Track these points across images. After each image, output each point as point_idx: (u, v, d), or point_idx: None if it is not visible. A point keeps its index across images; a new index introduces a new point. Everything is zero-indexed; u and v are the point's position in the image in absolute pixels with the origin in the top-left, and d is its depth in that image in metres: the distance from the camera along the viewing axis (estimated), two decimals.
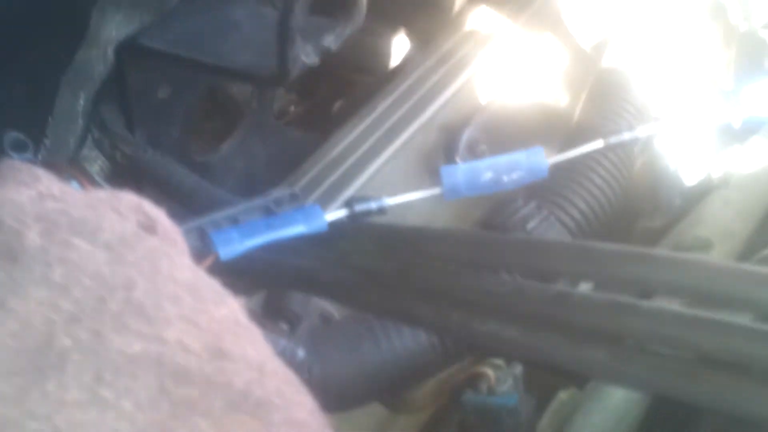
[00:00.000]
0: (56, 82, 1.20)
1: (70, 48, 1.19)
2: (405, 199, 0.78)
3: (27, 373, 0.46)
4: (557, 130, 1.11)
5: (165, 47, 1.00)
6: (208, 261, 0.70)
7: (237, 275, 0.82)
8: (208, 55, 0.97)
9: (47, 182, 0.57)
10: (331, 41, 0.91)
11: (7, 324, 0.47)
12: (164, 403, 0.48)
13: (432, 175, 1.14)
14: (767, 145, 0.97)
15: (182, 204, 1.06)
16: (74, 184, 0.68)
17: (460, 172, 0.78)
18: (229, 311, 0.53)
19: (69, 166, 0.70)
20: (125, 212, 0.57)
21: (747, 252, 0.88)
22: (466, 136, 1.10)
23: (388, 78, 1.36)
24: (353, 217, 0.76)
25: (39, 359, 0.47)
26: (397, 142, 1.19)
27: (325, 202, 1.12)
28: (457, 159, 1.10)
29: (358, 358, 0.80)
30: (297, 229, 0.73)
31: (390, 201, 0.77)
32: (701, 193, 0.99)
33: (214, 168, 1.33)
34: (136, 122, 1.13)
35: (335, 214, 0.75)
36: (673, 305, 0.54)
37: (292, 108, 1.70)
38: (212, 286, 0.54)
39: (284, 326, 0.82)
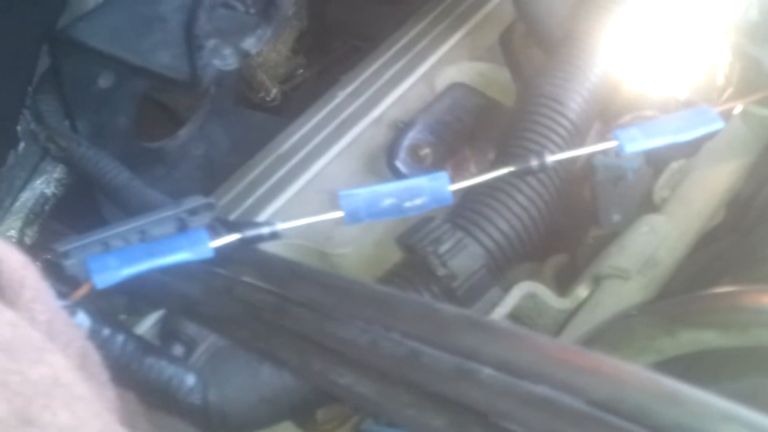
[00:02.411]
0: (36, 51, 1.18)
1: (51, 16, 1.17)
2: (301, 223, 0.76)
3: None
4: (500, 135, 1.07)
5: (90, 41, 0.98)
6: (83, 290, 0.68)
7: (131, 296, 0.81)
8: (127, 53, 0.95)
9: None
10: (251, 44, 0.88)
11: None
12: None
13: (377, 177, 1.12)
14: (710, 163, 0.92)
15: (113, 202, 1.05)
16: None
17: (359, 197, 0.75)
18: (48, 370, 0.51)
19: None
20: None
21: (672, 283, 0.84)
22: (407, 140, 1.07)
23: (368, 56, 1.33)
24: (245, 243, 0.73)
25: None
26: (345, 140, 1.17)
27: (264, 204, 1.11)
28: (397, 164, 1.07)
29: (258, 383, 0.79)
30: (180, 256, 0.71)
31: (283, 226, 0.74)
32: (640, 211, 0.95)
33: (171, 155, 1.32)
34: (76, 113, 1.11)
35: (223, 240, 0.72)
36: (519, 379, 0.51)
37: (300, 71, 1.68)
38: (34, 342, 0.52)
39: (180, 349, 0.80)
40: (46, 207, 1.26)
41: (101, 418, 0.53)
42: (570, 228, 1.11)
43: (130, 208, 1.00)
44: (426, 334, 0.55)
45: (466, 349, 0.52)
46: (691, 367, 0.57)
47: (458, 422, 0.53)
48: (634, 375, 0.45)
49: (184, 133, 1.32)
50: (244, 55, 0.88)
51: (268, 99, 1.56)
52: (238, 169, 1.22)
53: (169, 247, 0.72)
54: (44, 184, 1.27)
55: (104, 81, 1.11)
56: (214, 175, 1.32)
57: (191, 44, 0.81)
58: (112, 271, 0.69)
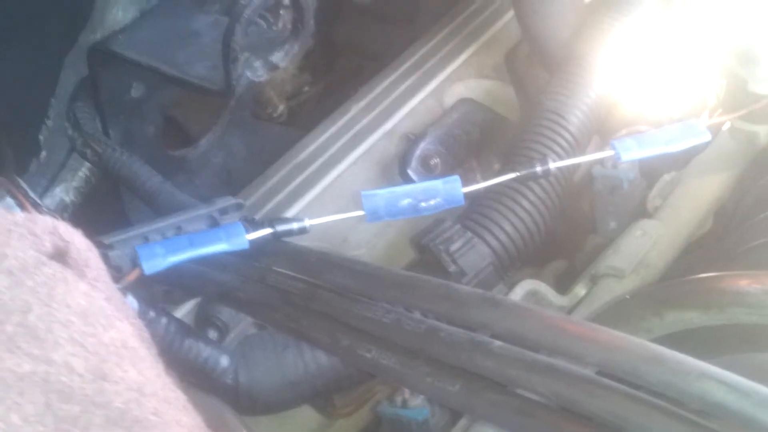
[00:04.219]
0: (59, 63, 1.26)
1: (73, 29, 1.25)
2: (327, 220, 0.83)
3: None
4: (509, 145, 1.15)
5: (128, 53, 1.06)
6: (132, 275, 0.75)
7: (170, 285, 0.88)
8: (164, 64, 1.03)
9: None
10: (279, 58, 0.96)
11: None
12: (49, 418, 0.54)
13: (389, 184, 1.20)
14: (698, 175, 1.01)
15: (145, 203, 1.12)
16: (8, 201, 0.74)
17: (379, 197, 0.83)
18: (117, 335, 0.59)
19: (6, 182, 0.76)
20: (41, 235, 0.63)
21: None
22: (419, 150, 1.15)
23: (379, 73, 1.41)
24: (276, 236, 0.81)
25: None
26: (359, 150, 1.24)
27: (284, 208, 1.18)
28: (409, 172, 1.15)
29: (282, 366, 0.86)
30: (219, 246, 0.78)
31: (311, 222, 0.82)
32: (634, 218, 1.03)
33: (192, 163, 1.39)
34: (109, 121, 1.19)
35: (258, 233, 0.80)
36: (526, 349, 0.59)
37: (306, 89, 1.74)
38: (105, 310, 0.60)
39: (214, 334, 0.88)
40: (65, 214, 1.32)
41: (162, 379, 0.60)
42: (569, 236, 1.19)
43: (161, 209, 1.07)
44: (444, 311, 0.63)
45: (479, 323, 0.60)
46: (676, 346, 0.65)
47: (472, 388, 0.61)
48: (624, 341, 0.53)
49: (204, 142, 1.39)
50: (273, 68, 0.96)
51: (275, 115, 1.62)
52: (257, 177, 1.29)
53: (209, 239, 0.79)
54: (63, 192, 1.34)
55: (136, 91, 1.19)
56: (231, 183, 1.39)
57: (228, 56, 0.89)
58: (159, 259, 0.77)
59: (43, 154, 1.29)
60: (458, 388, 0.61)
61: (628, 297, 0.65)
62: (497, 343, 0.60)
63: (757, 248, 0.74)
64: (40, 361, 0.55)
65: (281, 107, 1.63)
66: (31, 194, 0.75)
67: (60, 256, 0.64)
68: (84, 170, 1.33)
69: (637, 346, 0.52)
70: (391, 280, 0.67)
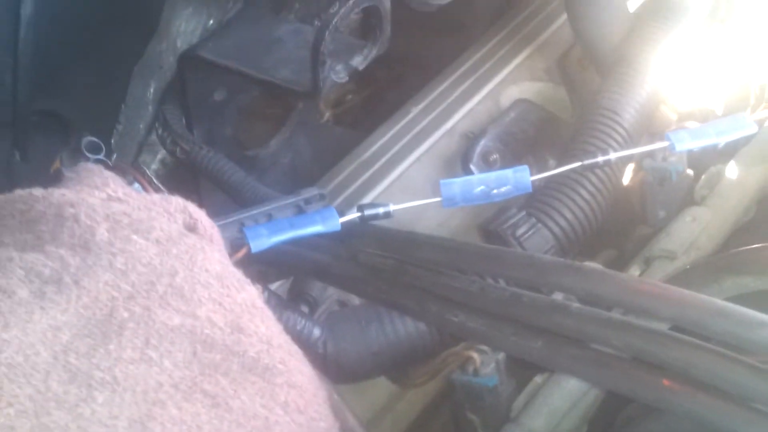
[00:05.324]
0: (128, 72, 1.36)
1: (141, 40, 1.35)
2: (408, 206, 0.92)
3: (95, 336, 0.62)
4: (563, 142, 1.24)
5: (217, 59, 1.16)
6: (241, 252, 0.85)
7: (268, 264, 0.98)
8: (253, 68, 1.13)
9: (114, 186, 0.73)
10: (359, 62, 1.06)
11: (81, 299, 0.63)
12: (195, 364, 0.64)
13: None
14: (742, 167, 1.09)
15: (230, 196, 1.22)
16: (136, 186, 0.83)
17: (456, 185, 0.92)
18: (248, 296, 0.69)
19: (132, 169, 0.86)
20: (174, 213, 0.73)
21: None
22: (480, 147, 1.24)
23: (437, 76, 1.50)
24: (363, 220, 0.90)
25: (104, 326, 0.62)
26: (422, 148, 1.34)
27: (354, 200, 1.28)
28: (471, 166, 1.24)
29: (366, 338, 0.95)
30: (315, 228, 0.88)
31: (394, 207, 0.91)
32: (683, 208, 1.11)
33: (263, 162, 1.49)
34: (194, 122, 1.29)
35: (348, 216, 0.89)
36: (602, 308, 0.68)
37: (350, 97, 1.82)
38: (236, 275, 0.69)
39: (305, 308, 0.97)
40: None
41: (284, 335, 0.70)
42: (619, 227, 1.27)
43: (246, 201, 1.17)
44: (528, 278, 0.71)
45: (561, 287, 0.69)
46: None
47: (552, 344, 0.69)
48: (693, 298, 0.62)
49: (275, 142, 1.49)
50: (353, 71, 1.05)
51: (321, 122, 1.71)
52: (322, 175, 1.39)
53: (305, 221, 0.89)
54: None
55: (218, 95, 1.29)
56: (298, 181, 1.49)
57: (317, 60, 0.98)
58: (264, 239, 0.86)
59: (114, 157, 1.40)
60: (540, 344, 0.69)
61: (688, 267, 0.73)
62: (575, 305, 0.69)
63: None
64: (186, 316, 0.65)
65: (327, 114, 1.72)
66: (155, 181, 0.85)
67: (190, 230, 0.73)
68: (150, 172, 1.43)
69: (704, 302, 0.61)
70: (477, 252, 0.76)
